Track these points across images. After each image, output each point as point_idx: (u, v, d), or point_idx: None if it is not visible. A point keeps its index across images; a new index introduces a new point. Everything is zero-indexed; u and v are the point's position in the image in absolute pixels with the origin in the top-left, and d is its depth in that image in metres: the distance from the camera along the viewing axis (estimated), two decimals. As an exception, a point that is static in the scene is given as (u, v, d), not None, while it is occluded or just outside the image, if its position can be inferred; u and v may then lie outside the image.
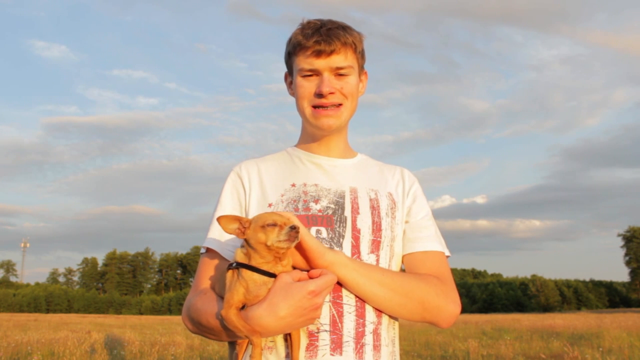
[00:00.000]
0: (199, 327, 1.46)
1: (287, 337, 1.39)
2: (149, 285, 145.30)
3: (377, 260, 1.52)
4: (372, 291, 1.43)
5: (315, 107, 1.59)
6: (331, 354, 1.39)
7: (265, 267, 1.32)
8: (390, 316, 1.52)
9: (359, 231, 1.52)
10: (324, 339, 1.40)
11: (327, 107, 1.58)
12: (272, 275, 1.32)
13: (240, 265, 1.32)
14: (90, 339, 15.31)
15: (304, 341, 1.40)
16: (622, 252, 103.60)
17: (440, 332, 18.17)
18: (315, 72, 1.57)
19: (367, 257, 1.51)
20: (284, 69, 1.73)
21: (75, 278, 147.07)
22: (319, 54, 1.54)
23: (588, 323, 24.62)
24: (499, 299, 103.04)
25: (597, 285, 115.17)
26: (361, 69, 1.67)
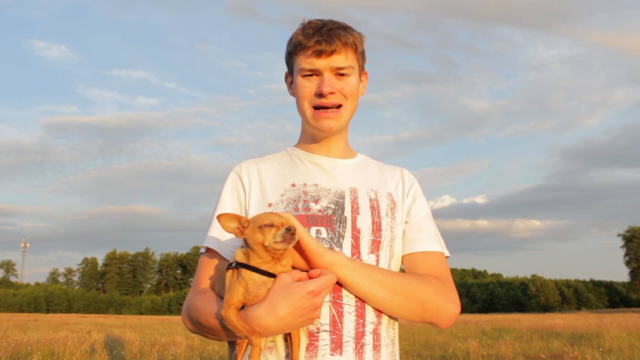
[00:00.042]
0: (198, 327, 1.46)
1: (287, 337, 1.39)
2: (149, 285, 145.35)
3: (377, 261, 1.52)
4: (372, 291, 1.43)
5: (315, 108, 1.59)
6: (331, 354, 1.39)
7: (264, 267, 1.32)
8: (390, 316, 1.52)
9: (358, 231, 1.52)
10: (324, 339, 1.40)
11: (327, 108, 1.58)
12: (272, 275, 1.31)
13: (239, 265, 1.32)
14: (90, 339, 15.31)
15: (304, 341, 1.40)
16: (622, 252, 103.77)
17: (440, 332, 18.17)
18: (316, 72, 1.57)
19: (367, 257, 1.51)
20: (284, 69, 1.73)
21: (75, 278, 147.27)
22: (319, 54, 1.54)
23: (588, 323, 24.61)
24: (499, 299, 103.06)
25: (597, 285, 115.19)
26: (361, 69, 1.68)
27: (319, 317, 1.36)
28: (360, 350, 1.42)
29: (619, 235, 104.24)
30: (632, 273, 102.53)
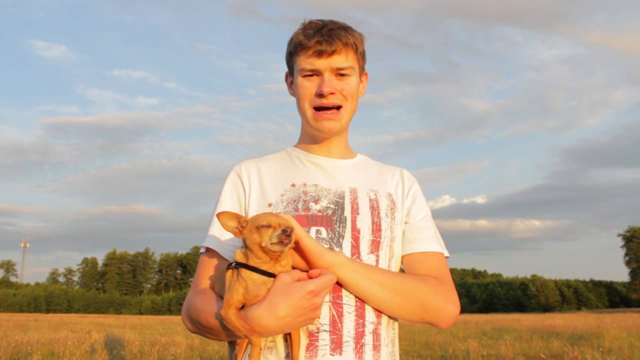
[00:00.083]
0: (198, 327, 1.46)
1: (287, 337, 1.39)
2: (149, 285, 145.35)
3: (377, 261, 1.53)
4: (372, 292, 1.43)
5: (316, 108, 1.59)
6: (331, 354, 1.39)
7: (264, 267, 1.31)
8: (389, 316, 1.52)
9: (358, 231, 1.52)
10: (324, 339, 1.40)
11: (328, 109, 1.58)
12: (272, 275, 1.31)
13: (239, 265, 1.32)
14: (90, 339, 15.31)
15: (304, 341, 1.40)
16: (622, 252, 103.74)
17: (440, 332, 18.17)
18: (316, 73, 1.57)
19: (367, 257, 1.51)
20: (284, 69, 1.73)
21: (75, 278, 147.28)
22: (320, 54, 1.54)
23: (588, 323, 24.62)
24: (499, 299, 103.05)
25: (597, 285, 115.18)
26: (362, 69, 1.68)
27: (318, 317, 1.36)
28: (360, 350, 1.42)
29: (619, 235, 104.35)
30: (632, 273, 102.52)
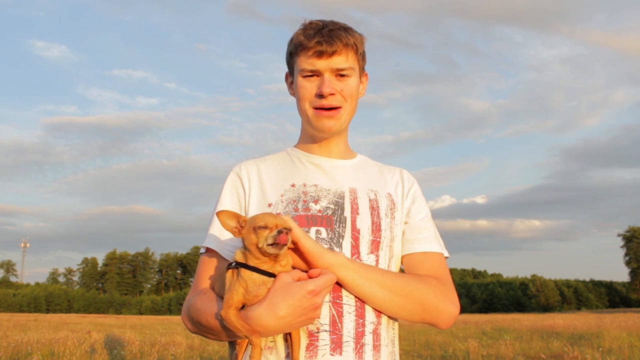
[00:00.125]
0: (198, 327, 1.46)
1: (287, 337, 1.39)
2: (149, 285, 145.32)
3: (377, 261, 1.53)
4: (372, 292, 1.43)
5: (316, 108, 1.59)
6: (331, 354, 1.39)
7: (264, 267, 1.31)
8: (389, 316, 1.52)
9: (358, 231, 1.52)
10: (324, 339, 1.40)
11: (328, 109, 1.58)
12: (272, 275, 1.31)
13: (239, 265, 1.32)
14: (90, 339, 15.31)
15: (304, 341, 1.40)
16: (622, 252, 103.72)
17: (440, 332, 18.17)
18: (316, 73, 1.57)
19: (367, 257, 1.51)
20: (284, 69, 1.73)
21: (75, 278, 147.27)
22: (320, 54, 1.54)
23: (588, 323, 24.61)
24: (499, 299, 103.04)
25: (597, 285, 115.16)
26: (362, 70, 1.68)
27: (319, 317, 1.36)
28: (360, 350, 1.42)
29: (619, 235, 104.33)
30: (632, 273, 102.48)
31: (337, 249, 1.48)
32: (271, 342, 1.42)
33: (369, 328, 1.45)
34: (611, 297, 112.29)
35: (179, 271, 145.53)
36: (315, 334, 1.40)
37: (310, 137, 1.69)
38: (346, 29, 1.58)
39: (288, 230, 1.28)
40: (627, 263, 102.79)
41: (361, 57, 1.64)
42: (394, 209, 1.63)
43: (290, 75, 1.69)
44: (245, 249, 1.34)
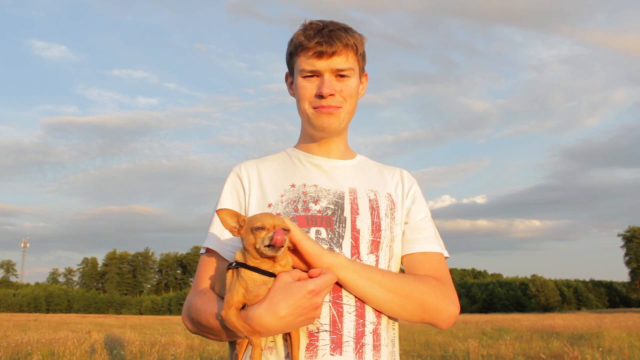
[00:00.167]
0: (199, 327, 1.46)
1: (287, 337, 1.39)
2: (149, 285, 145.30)
3: (377, 261, 1.53)
4: (372, 292, 1.43)
5: (315, 108, 1.59)
6: (331, 354, 1.39)
7: (264, 267, 1.31)
8: (389, 317, 1.52)
9: (358, 232, 1.52)
10: (324, 339, 1.40)
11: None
12: (272, 275, 1.31)
13: (239, 265, 1.32)
14: (90, 339, 15.30)
15: (303, 341, 1.40)
16: (622, 252, 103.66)
17: (440, 332, 18.17)
18: (316, 73, 1.57)
19: (367, 257, 1.51)
20: (284, 69, 1.73)
21: (75, 278, 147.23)
22: (320, 55, 1.54)
23: (588, 323, 24.61)
24: (499, 299, 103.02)
25: (597, 285, 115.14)
26: (362, 71, 1.68)
27: (319, 317, 1.36)
28: (360, 350, 1.42)
29: (619, 235, 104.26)
30: (632, 273, 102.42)
31: (337, 249, 1.48)
32: (271, 342, 1.42)
33: (369, 328, 1.45)
34: (611, 297, 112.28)
35: (179, 271, 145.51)
36: (316, 334, 1.40)
37: (310, 138, 1.69)
38: (346, 30, 1.58)
39: (286, 230, 1.28)
40: (627, 263, 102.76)
41: (361, 58, 1.64)
42: (394, 209, 1.63)
43: (290, 76, 1.69)
44: (244, 249, 1.34)
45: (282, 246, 1.25)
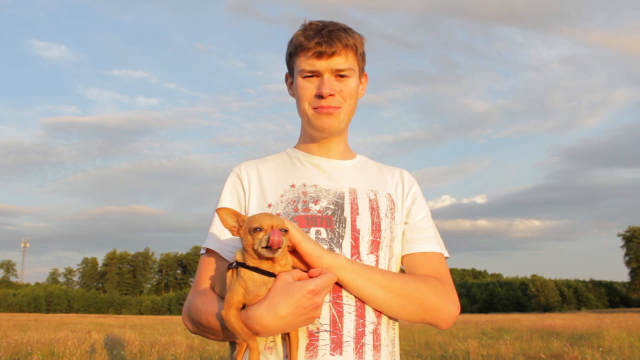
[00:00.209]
0: (199, 327, 1.46)
1: (286, 337, 1.39)
2: (149, 285, 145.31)
3: (377, 261, 1.53)
4: (372, 293, 1.43)
5: (315, 109, 1.59)
6: (331, 354, 1.39)
7: (264, 267, 1.31)
8: (389, 317, 1.52)
9: (358, 232, 1.52)
10: (324, 339, 1.40)
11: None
12: (272, 275, 1.31)
13: (239, 265, 1.32)
14: (90, 339, 15.31)
15: (303, 341, 1.40)
16: (622, 252, 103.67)
17: (440, 332, 18.17)
18: (316, 74, 1.57)
19: (367, 257, 1.51)
20: (284, 69, 1.73)
21: (75, 278, 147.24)
22: (320, 55, 1.54)
23: (588, 323, 24.61)
24: (499, 299, 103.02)
25: (597, 285, 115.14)
26: (362, 71, 1.68)
27: (319, 317, 1.35)
28: (360, 350, 1.42)
29: (619, 235, 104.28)
30: (632, 273, 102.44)
31: (337, 250, 1.48)
32: (271, 342, 1.42)
33: (369, 328, 1.45)
34: (611, 297, 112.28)
35: (179, 271, 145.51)
36: (316, 334, 1.40)
37: (310, 138, 1.69)
38: (346, 30, 1.58)
39: (284, 231, 1.28)
40: (627, 263, 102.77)
41: (361, 58, 1.64)
42: (394, 209, 1.63)
43: (290, 76, 1.69)
44: (244, 249, 1.34)
45: (280, 247, 1.25)
